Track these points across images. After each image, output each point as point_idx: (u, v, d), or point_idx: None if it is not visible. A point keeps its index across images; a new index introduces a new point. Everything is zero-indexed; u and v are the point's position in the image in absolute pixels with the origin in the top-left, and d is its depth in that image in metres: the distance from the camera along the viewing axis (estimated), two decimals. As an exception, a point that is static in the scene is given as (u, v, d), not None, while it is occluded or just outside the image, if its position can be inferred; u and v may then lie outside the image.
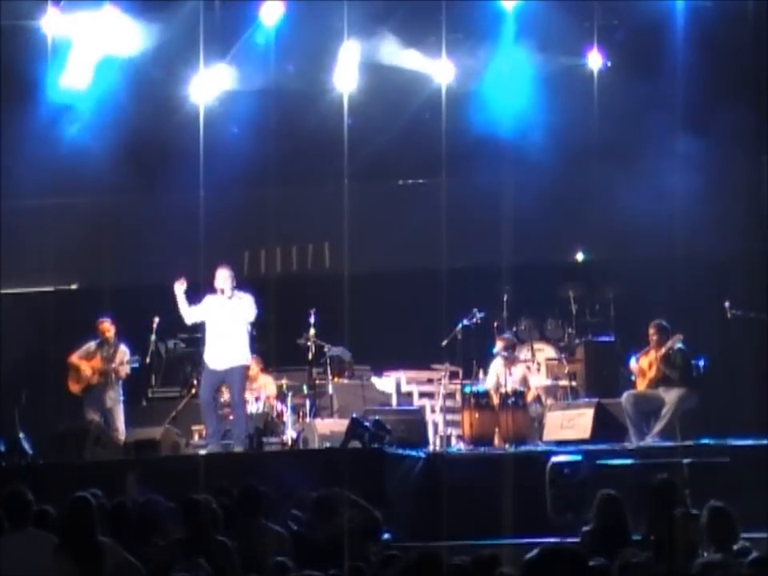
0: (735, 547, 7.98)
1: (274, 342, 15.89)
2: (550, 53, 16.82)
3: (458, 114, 17.14)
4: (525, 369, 15.39)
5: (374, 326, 16.63)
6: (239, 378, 13.94)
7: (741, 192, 16.06)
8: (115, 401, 14.95)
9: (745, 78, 15.95)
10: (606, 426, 13.94)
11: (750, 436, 13.10)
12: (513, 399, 14.50)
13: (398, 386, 15.87)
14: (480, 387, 14.87)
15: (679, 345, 14.02)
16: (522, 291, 16.14)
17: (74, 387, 15.02)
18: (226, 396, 15.19)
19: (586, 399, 14.80)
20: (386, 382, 15.87)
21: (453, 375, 15.42)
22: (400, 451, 13.15)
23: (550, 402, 15.15)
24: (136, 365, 15.08)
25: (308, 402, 15.22)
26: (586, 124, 16.82)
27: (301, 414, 15.05)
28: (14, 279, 17.65)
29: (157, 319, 15.22)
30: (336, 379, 15.66)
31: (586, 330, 16.33)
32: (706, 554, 7.95)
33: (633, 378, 14.57)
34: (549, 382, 15.63)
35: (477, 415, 14.43)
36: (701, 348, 14.41)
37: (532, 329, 16.44)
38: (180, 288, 13.78)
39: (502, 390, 14.65)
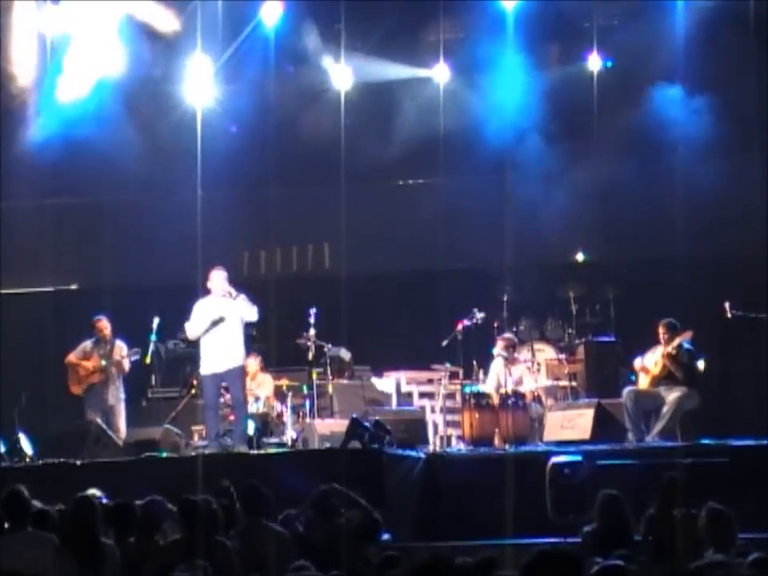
0: (734, 547, 7.98)
1: (274, 342, 15.90)
2: (549, 52, 16.82)
3: (458, 114, 17.16)
4: (525, 369, 15.38)
5: (374, 326, 16.64)
6: (239, 377, 13.96)
7: (742, 192, 16.04)
8: (117, 398, 14.93)
9: (745, 78, 15.94)
10: (606, 426, 13.94)
11: (749, 436, 13.09)
12: (513, 399, 14.50)
13: (398, 386, 15.86)
14: (480, 387, 14.86)
15: (687, 344, 13.99)
16: (521, 291, 16.14)
17: (76, 388, 14.99)
18: (227, 397, 15.20)
19: (586, 399, 14.80)
20: (386, 382, 15.87)
21: (453, 375, 15.42)
22: (400, 451, 13.14)
23: (550, 402, 15.15)
24: (137, 356, 15.06)
25: (308, 402, 15.22)
26: (586, 124, 16.84)
27: (301, 414, 15.05)
28: (13, 279, 17.64)
29: (157, 319, 15.21)
30: (336, 379, 15.66)
31: (586, 330, 16.33)
32: (705, 555, 7.95)
33: (633, 378, 14.57)
34: (549, 382, 15.62)
35: (477, 415, 14.43)
36: (701, 348, 14.40)
37: (532, 329, 16.43)
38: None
39: (502, 391, 14.65)
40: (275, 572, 8.39)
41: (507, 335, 15.53)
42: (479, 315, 15.12)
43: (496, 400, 14.55)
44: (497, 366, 15.22)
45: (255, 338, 16.34)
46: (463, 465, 13.24)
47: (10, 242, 16.71)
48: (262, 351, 15.86)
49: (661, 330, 14.21)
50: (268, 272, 18.25)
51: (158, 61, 17.33)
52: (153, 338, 15.09)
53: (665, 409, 13.89)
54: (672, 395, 13.94)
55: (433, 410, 15.56)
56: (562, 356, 15.88)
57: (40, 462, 13.52)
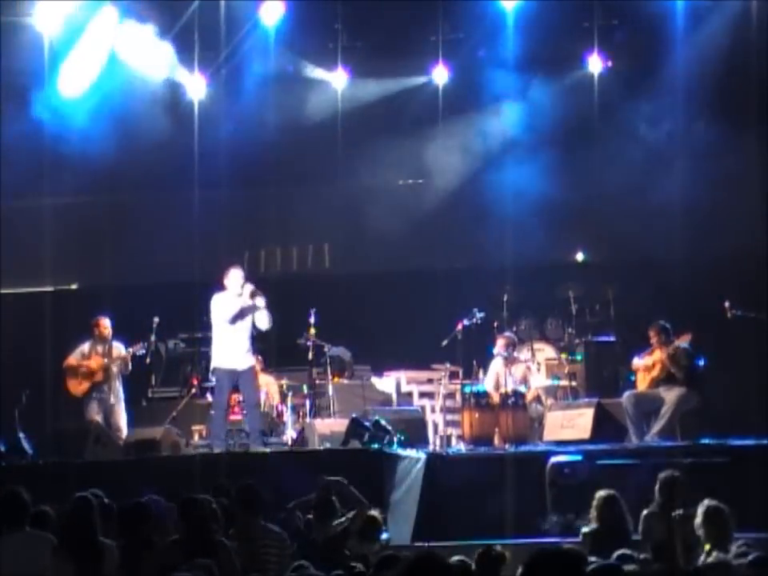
0: (733, 546, 7.98)
1: (274, 342, 15.89)
2: (549, 53, 16.81)
3: (457, 114, 17.17)
4: (525, 369, 15.38)
5: (374, 326, 16.63)
6: (253, 377, 14.01)
7: (741, 192, 16.04)
8: (118, 398, 14.92)
9: (745, 79, 15.93)
10: (605, 426, 13.93)
11: (750, 436, 13.09)
12: (513, 399, 14.49)
13: (398, 386, 15.87)
14: (480, 387, 14.87)
15: (685, 344, 14.01)
16: (521, 291, 16.13)
17: (77, 389, 14.94)
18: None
19: (586, 399, 14.79)
20: (386, 382, 15.87)
21: (453, 375, 15.42)
22: (400, 451, 13.14)
23: (550, 402, 15.14)
24: (143, 351, 15.05)
25: (308, 402, 15.23)
26: (586, 124, 16.84)
27: (301, 414, 15.06)
28: (13, 279, 17.64)
29: (157, 319, 15.21)
30: (336, 379, 15.66)
31: (586, 330, 16.33)
32: (705, 554, 7.95)
33: (633, 378, 14.57)
34: (549, 382, 15.62)
35: (477, 415, 14.43)
36: (701, 348, 14.40)
37: (532, 329, 16.44)
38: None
39: (502, 390, 14.64)
40: (275, 572, 8.40)
41: (507, 334, 15.53)
42: (479, 315, 15.12)
43: (496, 400, 14.54)
44: (496, 365, 15.22)
45: (255, 337, 16.34)
46: (463, 465, 13.23)
47: (10, 242, 16.71)
48: (261, 351, 15.86)
49: (652, 333, 14.21)
50: (268, 272, 18.25)
51: (159, 61, 17.35)
52: (153, 337, 15.09)
53: (664, 409, 13.89)
54: (671, 395, 13.94)
55: (433, 410, 15.57)
56: (562, 356, 15.88)
57: (40, 461, 13.51)
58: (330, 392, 15.37)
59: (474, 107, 17.13)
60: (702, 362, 14.44)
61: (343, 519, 9.55)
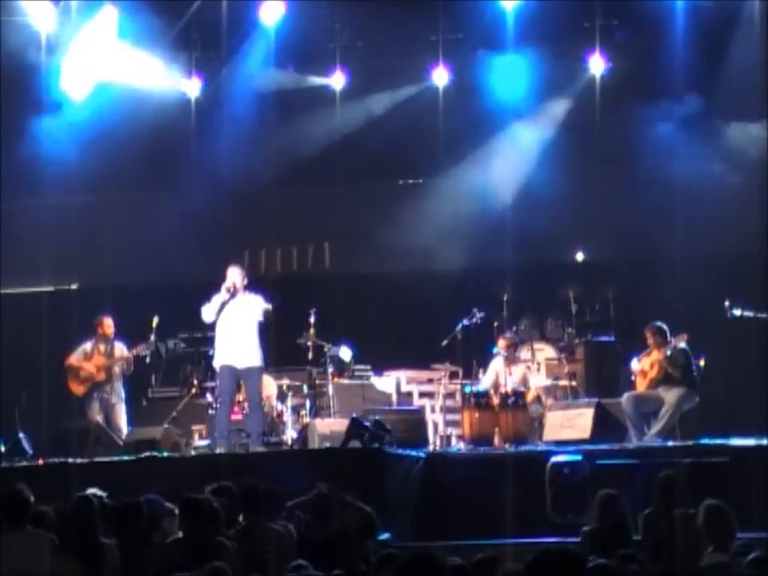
0: (734, 546, 7.98)
1: (273, 342, 15.88)
2: (549, 53, 16.81)
3: (458, 114, 17.17)
4: (525, 369, 15.38)
5: (374, 326, 16.62)
6: (257, 378, 13.99)
7: (741, 192, 16.04)
8: (119, 397, 14.93)
9: (745, 79, 15.94)
10: (605, 426, 13.93)
11: (750, 436, 13.09)
12: (513, 399, 14.49)
13: (398, 386, 15.86)
14: (480, 387, 14.86)
15: (682, 344, 14.01)
16: (521, 291, 16.13)
17: (78, 388, 14.95)
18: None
19: (586, 399, 14.79)
20: (386, 382, 15.86)
21: (453, 375, 15.42)
22: (400, 451, 13.14)
23: (550, 402, 15.14)
24: (146, 353, 15.05)
25: (308, 402, 15.23)
26: (586, 123, 16.83)
27: (301, 414, 15.05)
28: (13, 279, 17.64)
29: (156, 319, 15.21)
30: (336, 379, 15.66)
31: (586, 330, 16.33)
32: (705, 554, 7.95)
33: (633, 378, 14.57)
34: (549, 382, 15.62)
35: (477, 415, 14.43)
36: (701, 348, 14.40)
37: (532, 329, 16.43)
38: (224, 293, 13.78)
39: (502, 390, 14.64)
40: (275, 572, 8.40)
41: (509, 335, 15.54)
42: (479, 315, 15.12)
43: (496, 400, 14.54)
44: (496, 364, 15.22)
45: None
46: (463, 464, 13.24)
47: (10, 242, 16.71)
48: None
49: (648, 335, 14.22)
50: (268, 272, 18.25)
51: (159, 61, 17.36)
52: (153, 337, 15.09)
53: (663, 409, 13.89)
54: (671, 395, 13.94)
55: (433, 410, 15.56)
56: (562, 356, 15.88)
57: (40, 462, 13.51)
58: (330, 392, 15.37)
59: (474, 107, 17.11)
60: (700, 362, 14.44)
61: (341, 519, 9.55)
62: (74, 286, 18.55)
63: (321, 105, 17.72)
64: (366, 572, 7.47)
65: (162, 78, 17.42)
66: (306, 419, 14.90)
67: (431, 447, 14.21)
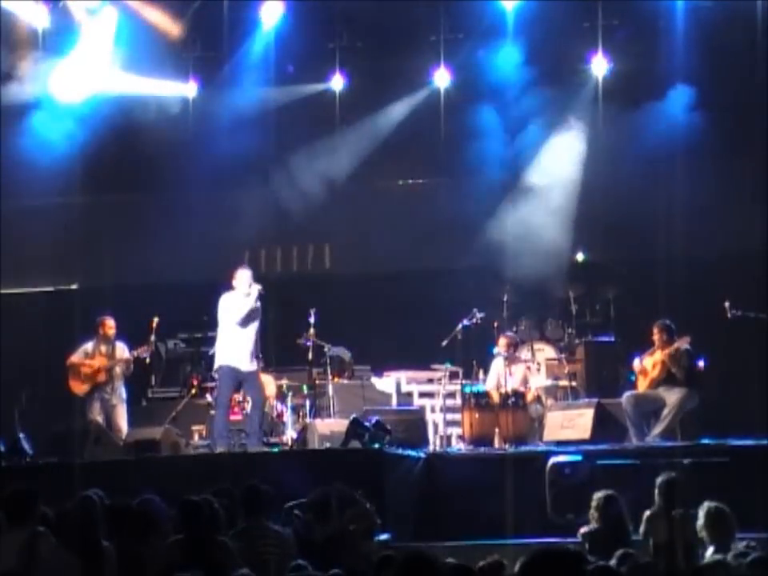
0: (734, 546, 7.98)
1: (273, 342, 15.89)
2: (550, 53, 16.80)
3: (458, 114, 17.17)
4: (525, 369, 15.38)
5: (374, 326, 16.62)
6: (258, 380, 14.03)
7: (742, 192, 16.04)
8: (120, 398, 14.91)
9: (746, 80, 15.94)
10: (606, 426, 13.93)
11: (750, 436, 13.09)
12: (513, 399, 14.49)
13: (398, 386, 15.85)
14: (480, 387, 14.86)
15: (686, 346, 14.00)
16: (522, 291, 16.13)
17: (79, 388, 14.93)
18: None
19: (586, 399, 14.78)
20: (386, 382, 15.86)
21: (453, 375, 15.41)
22: (400, 451, 13.14)
23: (550, 402, 15.14)
24: (147, 355, 15.05)
25: (308, 402, 15.22)
26: (586, 123, 16.83)
27: (301, 414, 15.05)
28: (13, 279, 17.64)
29: (156, 319, 15.20)
30: (336, 379, 15.66)
31: (585, 330, 16.32)
32: (705, 554, 7.96)
33: (633, 378, 14.56)
34: (549, 382, 15.61)
35: (477, 415, 14.43)
36: (701, 348, 14.39)
37: (532, 329, 16.43)
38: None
39: (502, 390, 14.64)
40: (275, 572, 8.40)
41: (509, 334, 15.54)
42: (479, 315, 15.12)
43: (496, 400, 14.54)
44: (497, 364, 15.22)
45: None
46: (463, 465, 13.24)
47: (10, 242, 16.71)
48: (261, 352, 15.85)
49: (655, 331, 14.20)
50: (268, 272, 18.24)
51: (158, 61, 17.37)
52: (153, 337, 15.09)
53: (666, 410, 13.87)
54: (672, 396, 13.93)
55: (433, 410, 15.56)
56: (562, 356, 15.88)
57: (40, 461, 13.50)
58: (330, 392, 15.37)
59: (473, 107, 17.11)
60: (701, 362, 14.43)
61: (341, 520, 9.55)
62: (73, 286, 18.55)
63: (322, 103, 17.73)
64: (365, 572, 7.47)
65: (160, 82, 17.43)
66: (306, 419, 14.89)
67: (431, 447, 14.21)
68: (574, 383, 15.53)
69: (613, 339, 15.94)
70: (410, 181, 18.15)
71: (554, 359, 15.95)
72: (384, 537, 9.97)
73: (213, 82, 17.76)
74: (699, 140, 16.00)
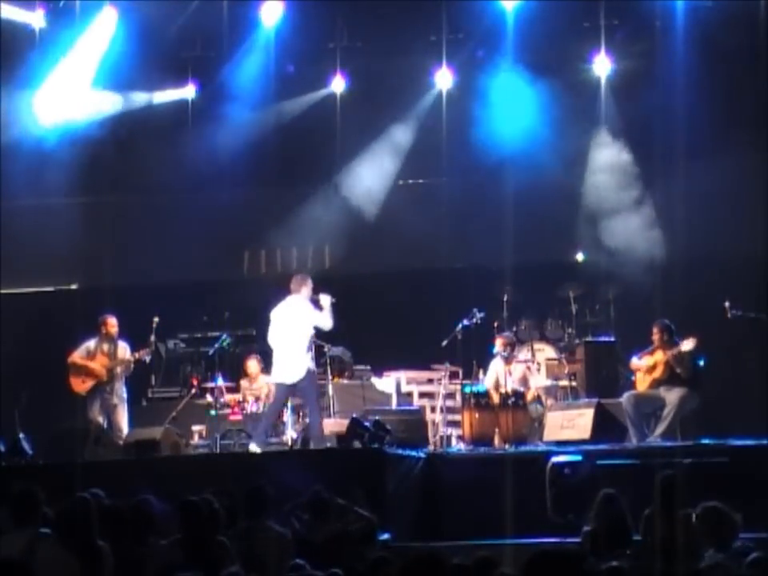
0: (734, 546, 7.97)
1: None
2: (550, 53, 16.80)
3: (459, 114, 17.17)
4: (525, 369, 15.38)
5: (374, 326, 16.63)
6: (308, 386, 13.95)
7: (742, 192, 16.05)
8: (120, 398, 14.91)
9: (746, 80, 15.94)
10: (606, 426, 13.92)
11: (750, 436, 13.09)
12: (513, 399, 14.49)
13: (398, 386, 15.85)
14: (480, 387, 14.86)
15: (690, 347, 13.98)
16: (521, 291, 16.13)
17: (80, 387, 14.92)
18: (227, 397, 15.22)
19: (586, 399, 14.78)
20: (386, 382, 15.86)
21: (453, 375, 15.41)
22: (400, 451, 13.14)
23: (550, 402, 15.14)
24: (148, 357, 15.05)
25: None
26: (586, 124, 16.84)
27: (301, 414, 15.05)
28: (13, 279, 17.64)
29: (156, 319, 15.21)
30: (336, 379, 15.67)
31: (586, 330, 16.32)
32: (705, 555, 7.95)
33: (633, 377, 14.56)
34: (549, 382, 15.61)
35: (477, 415, 14.42)
36: (701, 348, 14.39)
37: (532, 329, 16.43)
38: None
39: (502, 390, 14.64)
40: (275, 572, 8.40)
41: (506, 334, 15.54)
42: (479, 315, 15.12)
43: (496, 400, 14.54)
44: (496, 365, 15.22)
45: (254, 338, 16.35)
46: (463, 465, 13.23)
47: (10, 242, 16.71)
48: (261, 353, 15.85)
49: (655, 331, 14.19)
50: (268, 272, 18.25)
51: (158, 60, 17.37)
52: (152, 338, 15.09)
53: (666, 410, 13.87)
54: (673, 396, 13.93)
55: (433, 410, 15.56)
56: (562, 356, 15.88)
57: (40, 461, 13.50)
58: (330, 392, 15.37)
59: (473, 107, 17.11)
60: (702, 362, 14.43)
61: (340, 522, 9.55)
62: (73, 286, 18.56)
63: (323, 103, 17.73)
64: (364, 572, 7.47)
65: (161, 77, 17.44)
66: (306, 419, 14.88)
67: (431, 447, 14.20)
68: (574, 383, 15.53)
69: (613, 339, 15.94)
70: (410, 181, 18.14)
71: (554, 359, 15.95)
72: (384, 537, 9.97)
73: (213, 81, 17.75)
74: (699, 140, 15.99)
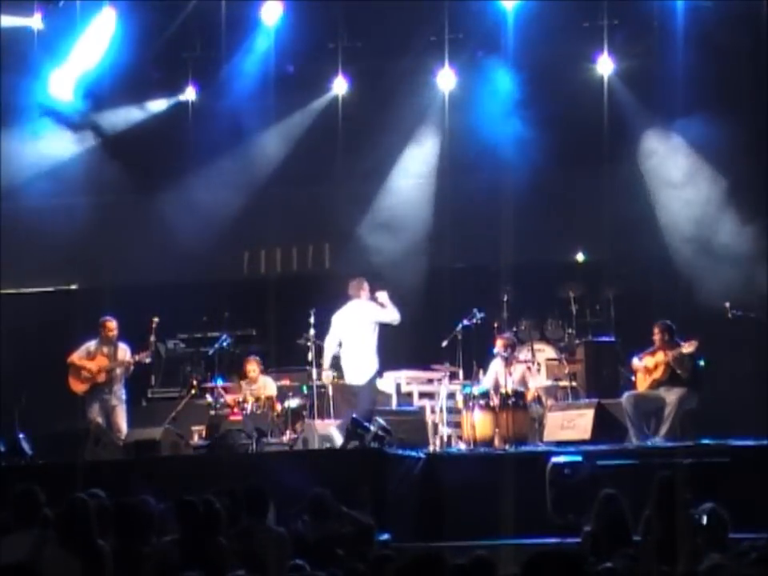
0: (734, 547, 7.97)
1: (274, 342, 15.89)
2: (550, 52, 16.79)
3: (459, 115, 17.17)
4: (525, 369, 15.37)
5: (374, 326, 16.59)
6: (366, 390, 14.62)
7: (742, 191, 16.05)
8: (120, 399, 14.94)
9: (746, 80, 15.93)
10: (606, 426, 13.93)
11: (750, 436, 13.09)
12: (513, 399, 14.47)
13: (398, 386, 15.84)
14: (480, 387, 14.85)
15: (691, 350, 13.97)
16: (521, 291, 16.12)
17: (79, 387, 14.95)
18: (227, 397, 15.21)
19: (586, 400, 14.79)
20: (386, 382, 15.85)
21: (453, 375, 15.40)
22: (400, 451, 13.14)
23: (550, 402, 15.13)
24: (148, 360, 15.06)
25: (308, 402, 15.20)
26: (586, 123, 16.82)
27: (301, 414, 15.03)
28: (14, 279, 17.64)
29: (156, 319, 15.20)
30: (336, 380, 15.64)
31: (586, 330, 16.32)
32: (705, 555, 7.94)
33: (633, 377, 14.56)
34: (549, 382, 15.60)
35: (477, 416, 14.41)
36: (701, 348, 14.39)
37: (532, 329, 16.42)
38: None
39: (502, 391, 14.63)
40: (275, 572, 8.39)
41: (506, 335, 15.52)
42: (479, 315, 15.11)
43: (496, 400, 14.53)
44: (496, 365, 15.21)
45: (254, 338, 16.34)
46: (463, 465, 13.24)
47: (10, 242, 16.71)
48: (261, 353, 15.86)
49: (656, 331, 14.20)
50: (268, 272, 18.24)
51: (158, 60, 17.37)
52: (152, 338, 15.08)
53: (667, 410, 13.88)
54: (673, 396, 13.94)
55: (433, 410, 15.55)
56: (562, 356, 15.87)
57: (40, 461, 13.50)
58: (330, 392, 15.36)
59: (474, 107, 17.11)
60: (702, 363, 14.43)
61: (339, 524, 9.54)
62: (73, 286, 18.55)
63: (324, 103, 17.73)
64: (364, 572, 7.47)
65: (162, 78, 17.44)
66: (306, 420, 14.88)
67: (431, 448, 14.20)
68: (574, 383, 15.52)
69: (613, 339, 15.93)
70: (411, 181, 18.13)
71: (554, 359, 15.94)
72: (384, 537, 9.96)
73: (213, 81, 17.74)
74: (699, 140, 16.00)
